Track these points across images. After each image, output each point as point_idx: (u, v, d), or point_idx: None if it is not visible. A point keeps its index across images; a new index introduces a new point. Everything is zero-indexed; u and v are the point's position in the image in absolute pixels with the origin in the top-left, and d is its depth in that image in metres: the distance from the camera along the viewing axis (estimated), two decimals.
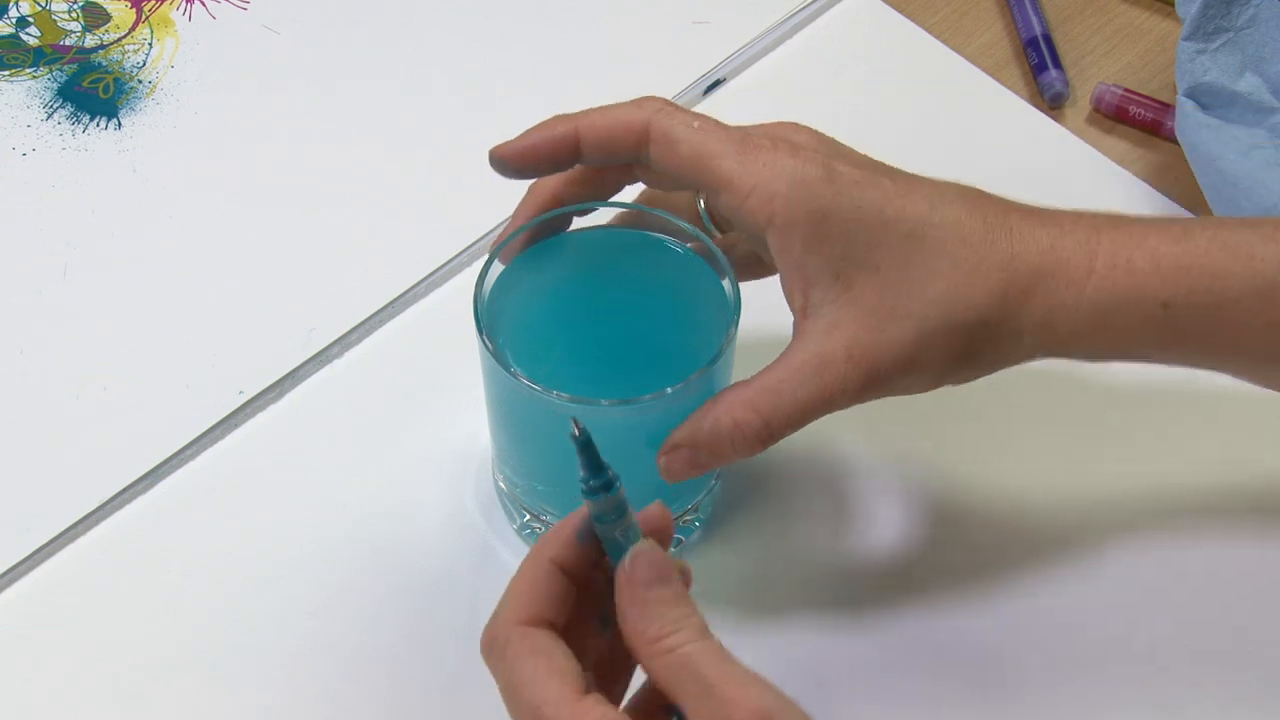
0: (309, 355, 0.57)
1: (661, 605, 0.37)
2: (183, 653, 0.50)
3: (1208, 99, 0.59)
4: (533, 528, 0.51)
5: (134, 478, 0.54)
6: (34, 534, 0.52)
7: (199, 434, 0.55)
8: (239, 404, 0.56)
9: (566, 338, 0.47)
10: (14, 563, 0.52)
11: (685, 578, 0.40)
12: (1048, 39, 0.66)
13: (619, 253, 0.48)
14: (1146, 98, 0.64)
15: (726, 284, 0.46)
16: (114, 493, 0.53)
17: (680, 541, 0.52)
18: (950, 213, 0.43)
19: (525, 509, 0.51)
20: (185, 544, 0.53)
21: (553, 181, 0.47)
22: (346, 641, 0.50)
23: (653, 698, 0.39)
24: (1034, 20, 0.67)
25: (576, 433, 0.38)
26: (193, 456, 0.55)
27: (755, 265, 0.48)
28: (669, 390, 0.43)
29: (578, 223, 0.48)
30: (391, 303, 0.58)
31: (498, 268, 0.46)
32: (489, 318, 0.45)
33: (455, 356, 0.57)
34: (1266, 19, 0.59)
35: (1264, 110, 0.59)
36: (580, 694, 0.36)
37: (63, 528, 0.52)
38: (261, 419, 0.56)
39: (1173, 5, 0.63)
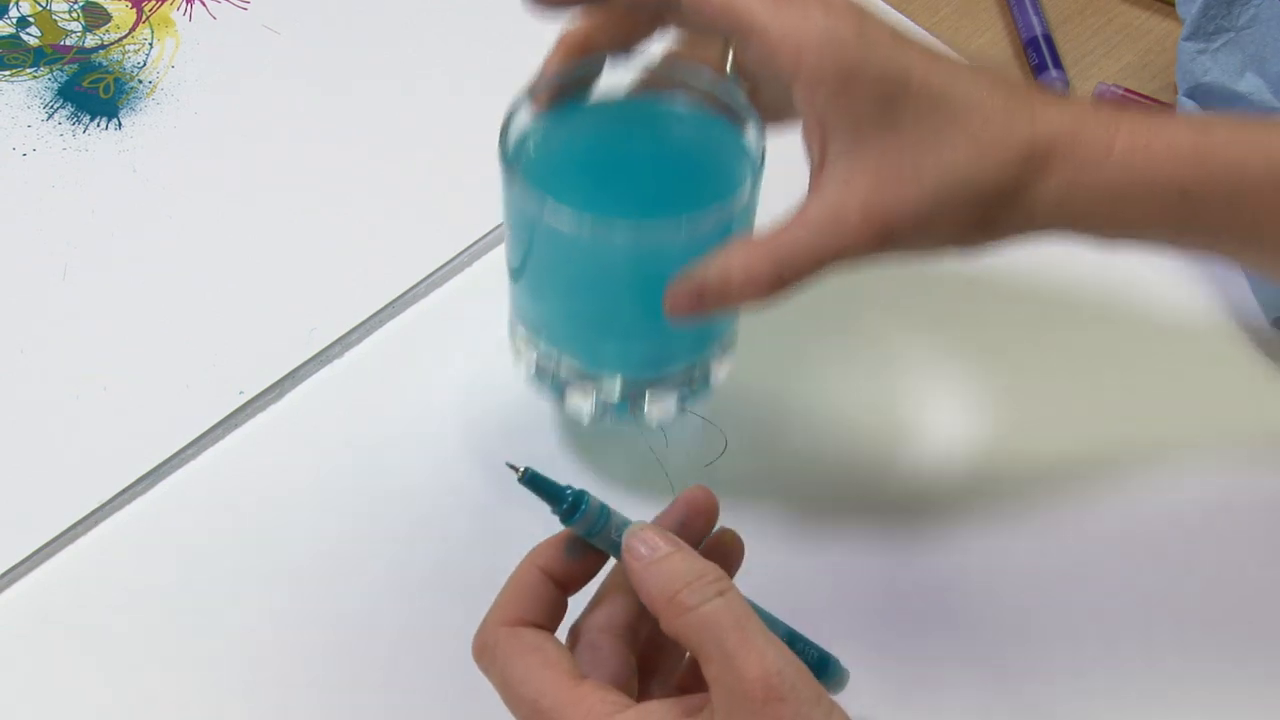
0: (309, 355, 0.57)
1: (667, 564, 0.38)
2: (183, 652, 0.50)
3: (1208, 99, 0.59)
4: (544, 367, 0.51)
5: (134, 478, 0.54)
6: (34, 534, 0.52)
7: (199, 434, 0.55)
8: (239, 404, 0.56)
9: (590, 182, 0.47)
10: (14, 563, 0.52)
11: (736, 547, 0.42)
12: (1048, 39, 0.66)
13: (649, 113, 0.48)
14: (1147, 98, 0.64)
15: (752, 136, 0.46)
16: (114, 493, 0.53)
17: (686, 406, 0.53)
18: (974, 89, 0.43)
19: (541, 353, 0.51)
20: (185, 544, 0.53)
21: (583, 26, 0.46)
22: (348, 641, 0.50)
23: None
24: (1034, 20, 0.67)
25: (519, 473, 0.39)
26: (193, 456, 0.55)
27: (776, 113, 0.48)
28: (684, 217, 0.43)
29: (607, 86, 0.48)
30: (392, 303, 0.58)
31: (526, 111, 0.47)
32: (515, 155, 0.46)
33: (456, 355, 0.57)
34: (1267, 19, 0.59)
35: (1265, 110, 0.59)
36: (576, 681, 0.37)
37: (63, 528, 0.52)
38: (262, 419, 0.56)
39: (1173, 5, 0.63)
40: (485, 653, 0.39)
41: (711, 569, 0.37)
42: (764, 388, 0.56)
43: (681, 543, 0.39)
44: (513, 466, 0.40)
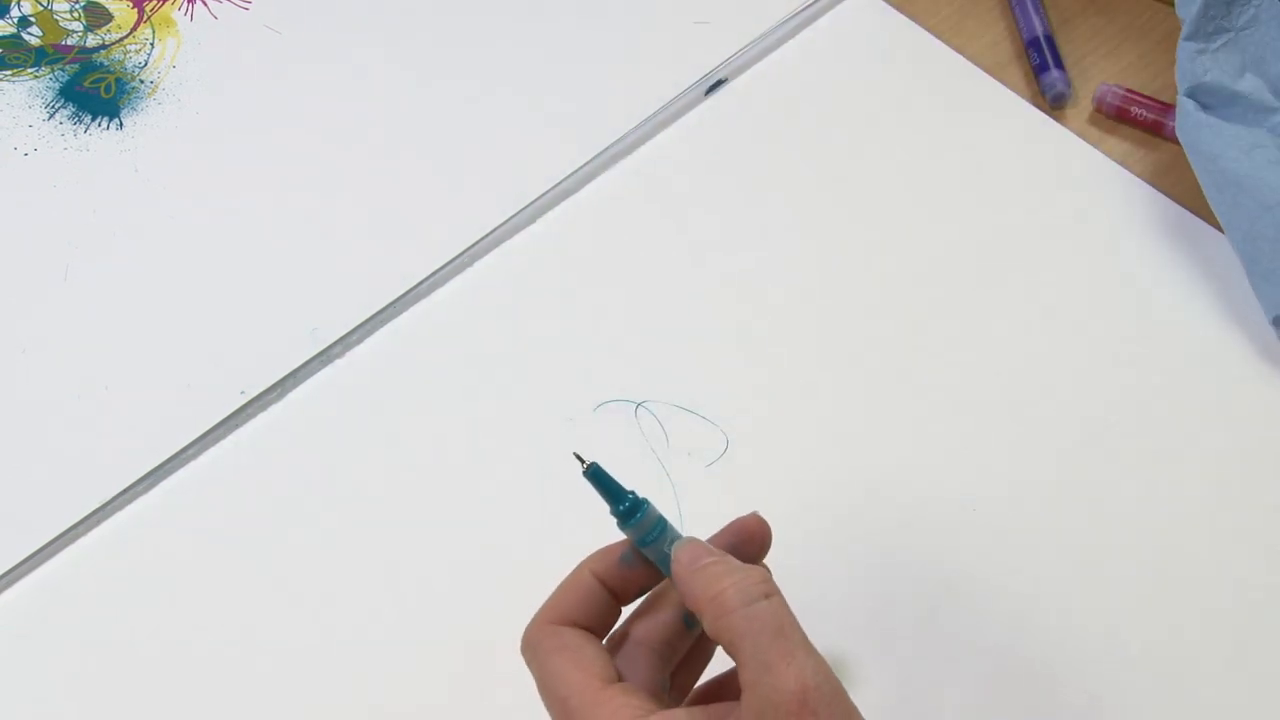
0: (311, 355, 0.57)
1: (714, 569, 0.38)
2: (183, 653, 0.50)
3: (1208, 99, 0.59)
4: None
5: (135, 478, 0.54)
6: (34, 534, 0.52)
7: (200, 434, 0.55)
8: (241, 404, 0.56)
9: None
10: (14, 563, 0.52)
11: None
12: (1049, 39, 0.66)
13: None
14: (1148, 98, 0.64)
15: None
16: (114, 493, 0.53)
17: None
18: None
19: None
20: (186, 544, 0.53)
21: None
22: (347, 642, 0.50)
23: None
24: (1036, 21, 0.67)
25: (584, 465, 0.38)
26: (194, 456, 0.55)
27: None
28: None
29: None
30: (394, 302, 0.58)
31: None
32: None
33: (457, 355, 0.57)
34: (1266, 19, 0.59)
35: (1265, 110, 0.59)
36: (604, 684, 0.38)
37: (63, 528, 0.52)
38: (263, 419, 0.56)
39: (1174, 6, 0.63)
40: (529, 648, 0.39)
41: (758, 572, 0.37)
42: (764, 388, 0.56)
43: (729, 556, 0.39)
44: (579, 457, 0.39)
